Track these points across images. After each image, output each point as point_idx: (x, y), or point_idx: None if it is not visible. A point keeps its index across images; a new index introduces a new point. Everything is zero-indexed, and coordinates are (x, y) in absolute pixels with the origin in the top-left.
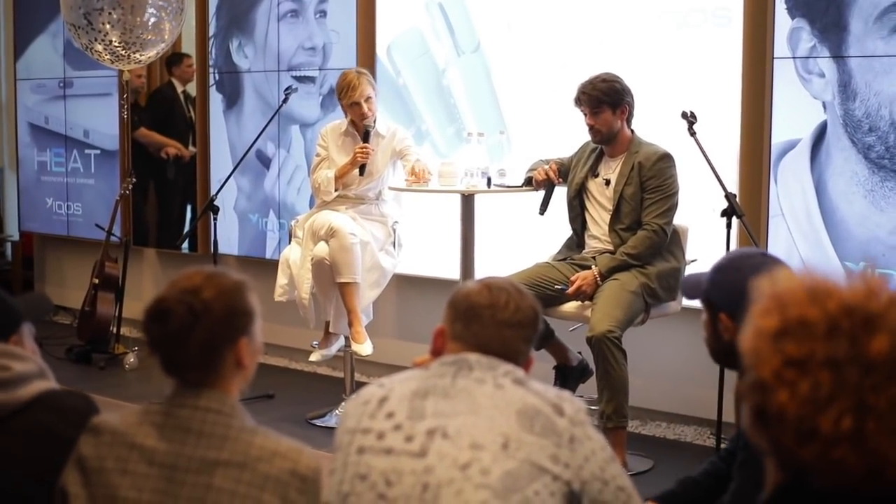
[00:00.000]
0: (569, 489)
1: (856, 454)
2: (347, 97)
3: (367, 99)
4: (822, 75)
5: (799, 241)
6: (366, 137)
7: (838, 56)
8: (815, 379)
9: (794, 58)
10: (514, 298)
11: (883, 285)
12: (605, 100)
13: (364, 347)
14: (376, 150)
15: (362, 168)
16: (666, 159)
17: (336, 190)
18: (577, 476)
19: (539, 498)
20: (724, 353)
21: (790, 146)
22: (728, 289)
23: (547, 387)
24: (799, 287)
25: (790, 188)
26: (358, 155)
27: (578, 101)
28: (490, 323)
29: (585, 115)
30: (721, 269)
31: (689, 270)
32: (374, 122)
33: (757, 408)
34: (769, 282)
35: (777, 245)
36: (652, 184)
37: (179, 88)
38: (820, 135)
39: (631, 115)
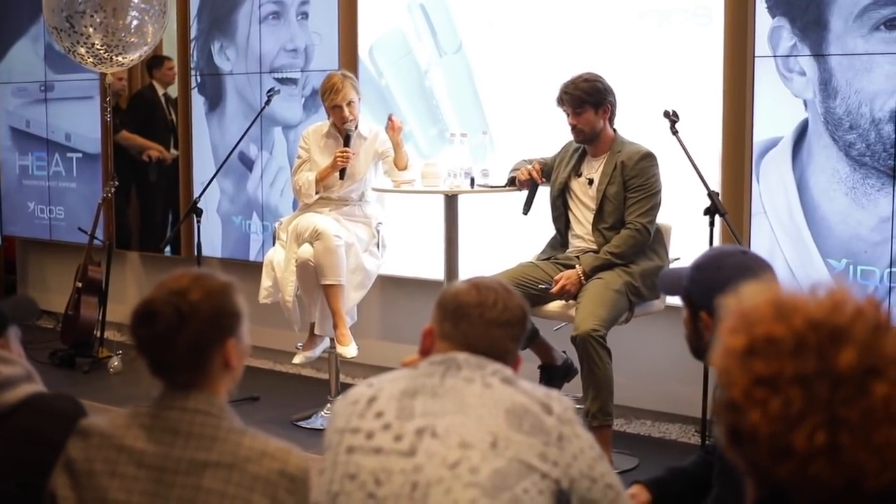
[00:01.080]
0: (557, 487)
1: (832, 469)
2: (330, 99)
3: (350, 103)
4: (803, 73)
5: (781, 238)
6: (346, 141)
7: (819, 54)
8: (786, 396)
9: (774, 56)
10: (503, 297)
11: (848, 297)
12: (587, 99)
13: (349, 350)
14: (358, 153)
15: (342, 172)
16: (648, 158)
17: (317, 193)
18: (565, 474)
19: (528, 496)
20: (704, 350)
21: (772, 144)
22: (709, 287)
23: (535, 385)
24: (765, 303)
25: (772, 186)
26: (338, 159)
27: (561, 100)
28: (478, 322)
29: (568, 114)
30: (701, 268)
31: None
32: (356, 126)
33: (730, 427)
34: (735, 299)
35: (759, 243)
36: (635, 183)
37: (160, 91)
38: (801, 133)
39: (613, 114)
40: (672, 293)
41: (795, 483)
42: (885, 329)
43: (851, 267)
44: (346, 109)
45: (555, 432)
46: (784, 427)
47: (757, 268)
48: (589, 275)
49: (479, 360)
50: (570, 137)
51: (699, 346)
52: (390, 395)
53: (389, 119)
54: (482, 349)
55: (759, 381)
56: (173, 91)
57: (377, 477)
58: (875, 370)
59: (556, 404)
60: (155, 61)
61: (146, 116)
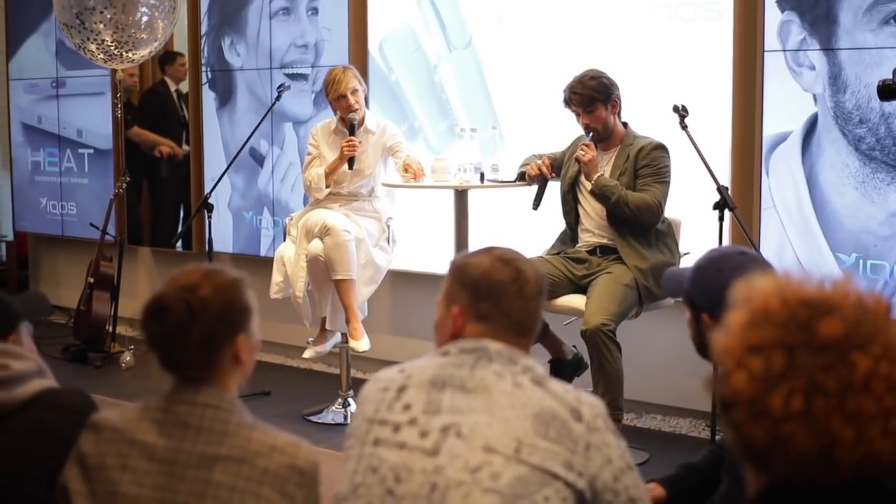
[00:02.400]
0: (581, 497)
1: (805, 432)
2: (333, 91)
3: (353, 92)
4: (813, 68)
5: (791, 233)
6: (351, 130)
7: (828, 48)
8: (769, 358)
9: (784, 51)
10: (530, 268)
11: (851, 286)
12: (597, 97)
13: (361, 343)
14: (366, 147)
15: (351, 161)
16: (661, 149)
17: (327, 186)
18: (590, 486)
19: None
20: (709, 350)
21: (781, 139)
22: (708, 289)
23: (567, 388)
24: (769, 285)
25: (782, 181)
26: (345, 148)
27: (569, 101)
28: (518, 298)
29: (578, 115)
30: (701, 270)
31: (683, 263)
32: (364, 118)
33: (721, 399)
34: (745, 285)
35: (769, 237)
36: (646, 171)
37: (172, 87)
38: (811, 127)
39: (620, 107)
40: (675, 295)
41: (769, 445)
42: (883, 316)
43: (861, 261)
44: (350, 98)
45: (582, 441)
46: (764, 388)
47: (755, 268)
48: (596, 186)
49: (511, 353)
50: (580, 132)
51: (703, 346)
52: (419, 383)
53: (406, 170)
54: (524, 324)
55: (750, 348)
56: (185, 87)
57: (398, 474)
58: (859, 345)
59: (587, 410)
60: (167, 57)
61: (158, 112)
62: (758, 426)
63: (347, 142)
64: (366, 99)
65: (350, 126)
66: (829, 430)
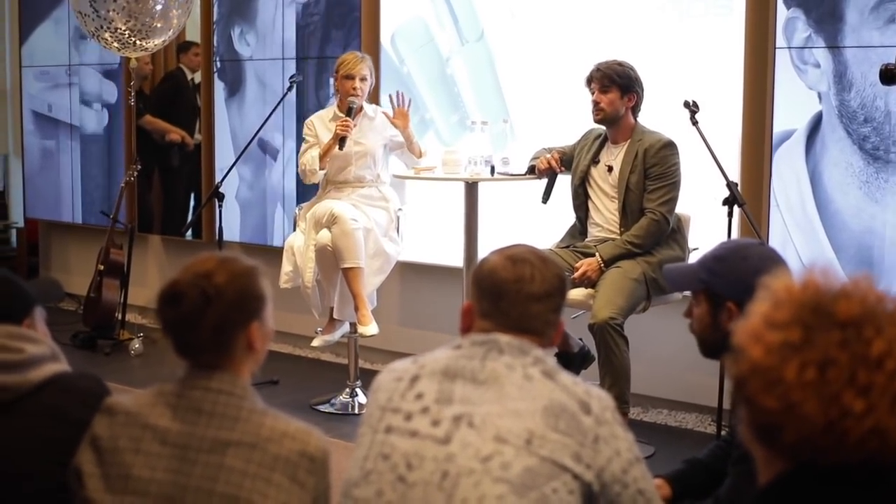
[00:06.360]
0: (589, 489)
1: (815, 400)
2: (345, 67)
3: (363, 79)
4: (818, 66)
5: (794, 232)
6: (349, 113)
7: (834, 46)
8: (787, 333)
9: (789, 48)
10: (539, 269)
11: (872, 283)
12: (616, 81)
13: (370, 329)
14: (366, 131)
15: (342, 142)
16: (670, 147)
17: (322, 168)
18: (597, 478)
19: (557, 496)
20: (721, 342)
21: (786, 136)
22: (735, 277)
23: (576, 380)
24: (792, 277)
25: (785, 179)
26: (338, 128)
27: (590, 78)
28: (517, 299)
29: (593, 91)
30: (723, 259)
31: (692, 259)
32: (362, 107)
33: (737, 375)
34: (770, 280)
35: (774, 235)
36: (655, 171)
37: (189, 75)
38: (815, 125)
39: (638, 105)
40: (685, 288)
41: (780, 412)
42: None
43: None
44: (357, 82)
45: (591, 433)
46: (779, 359)
47: (777, 257)
48: (608, 263)
49: (522, 345)
50: (591, 126)
51: (715, 340)
52: (431, 373)
53: (396, 105)
54: (524, 326)
55: (769, 324)
56: (198, 77)
57: (409, 461)
58: (876, 327)
59: (596, 403)
60: (182, 46)
61: (172, 100)
62: (770, 395)
63: (342, 122)
64: (371, 93)
65: (348, 110)
66: (840, 401)
